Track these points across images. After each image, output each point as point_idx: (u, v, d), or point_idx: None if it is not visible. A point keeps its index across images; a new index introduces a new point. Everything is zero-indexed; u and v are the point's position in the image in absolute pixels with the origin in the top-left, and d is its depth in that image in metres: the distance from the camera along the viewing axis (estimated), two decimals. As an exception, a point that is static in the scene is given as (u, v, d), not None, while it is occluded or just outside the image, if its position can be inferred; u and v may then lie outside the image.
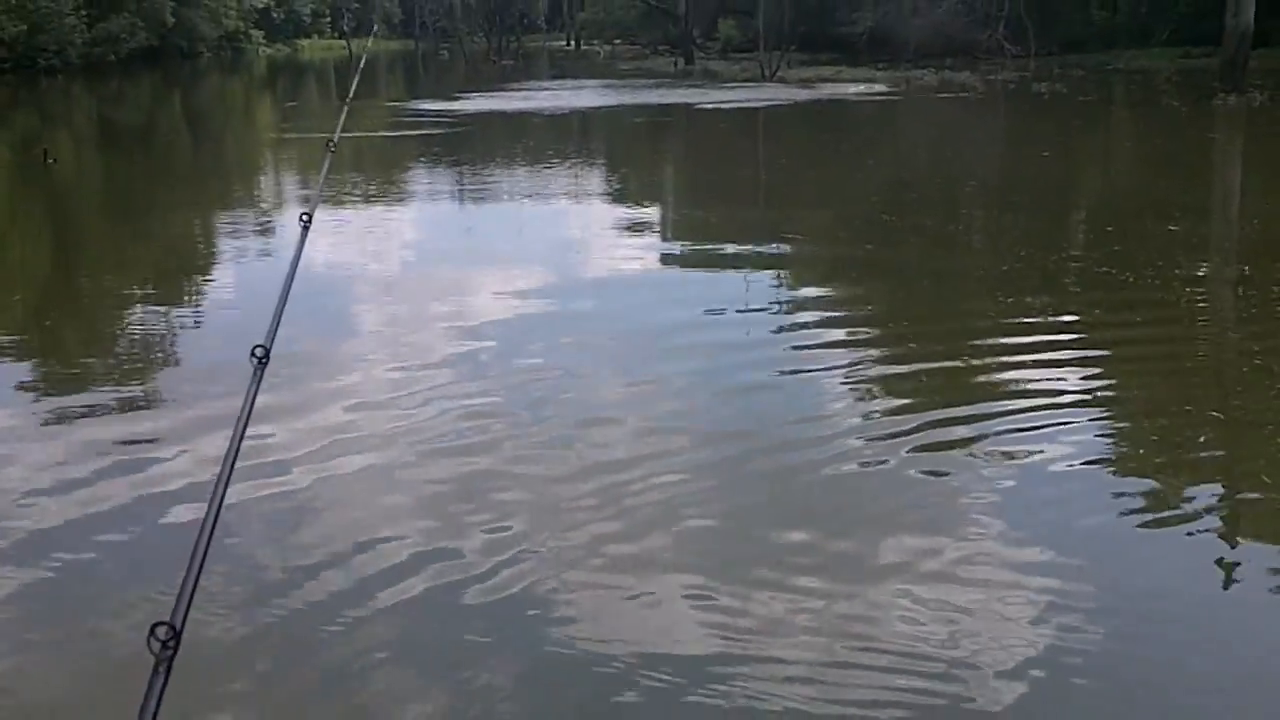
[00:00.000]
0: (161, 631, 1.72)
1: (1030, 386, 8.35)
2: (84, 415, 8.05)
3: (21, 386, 8.99)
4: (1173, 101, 34.17)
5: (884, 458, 7.00)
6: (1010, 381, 8.56)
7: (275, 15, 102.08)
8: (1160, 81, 40.37)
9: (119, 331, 10.82)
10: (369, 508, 6.37)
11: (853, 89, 39.45)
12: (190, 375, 9.06)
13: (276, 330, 3.10)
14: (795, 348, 9.61)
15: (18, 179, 24.66)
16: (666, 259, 14.24)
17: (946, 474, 6.80)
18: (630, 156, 26.43)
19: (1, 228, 18.91)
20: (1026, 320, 10.36)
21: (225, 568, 5.52)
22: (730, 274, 13.04)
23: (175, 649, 1.71)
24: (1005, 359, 9.20)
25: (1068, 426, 7.53)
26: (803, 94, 37.75)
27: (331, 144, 7.06)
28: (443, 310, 11.04)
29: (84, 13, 66.26)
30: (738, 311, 10.83)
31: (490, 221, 17.32)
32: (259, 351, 2.82)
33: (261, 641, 5.07)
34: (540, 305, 11.22)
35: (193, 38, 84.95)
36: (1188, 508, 6.35)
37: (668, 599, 5.37)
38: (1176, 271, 12.07)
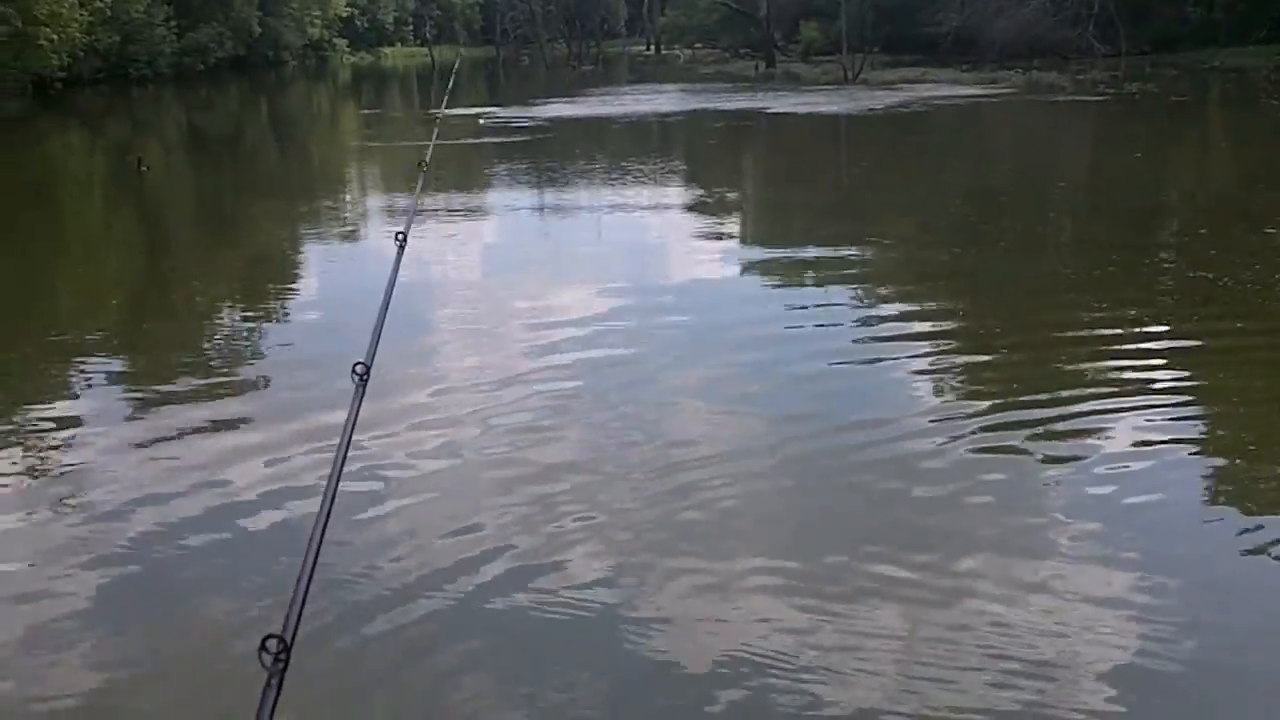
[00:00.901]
0: (272, 644, 1.72)
1: (1122, 393, 8.20)
2: (186, 429, 8.11)
3: (124, 400, 9.12)
4: (1272, 101, 33.49)
5: (971, 464, 6.94)
6: (1102, 387, 8.41)
7: (359, 23, 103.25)
8: (1258, 80, 39.59)
9: (223, 348, 10.90)
10: (464, 519, 6.38)
11: (939, 91, 39.08)
12: (290, 390, 9.08)
13: (376, 349, 3.12)
14: (877, 354, 9.50)
15: (113, 186, 25.14)
16: (747, 264, 14.17)
17: (1038, 482, 6.72)
18: (710, 162, 26.36)
19: (101, 234, 19.27)
20: (1118, 328, 10.16)
21: (329, 579, 5.55)
22: (811, 277, 12.94)
23: (286, 662, 1.72)
24: (1097, 365, 9.07)
25: (1162, 434, 7.41)
26: (889, 98, 37.41)
27: (423, 164, 7.11)
28: (527, 320, 11.05)
29: (174, 23, 67.48)
30: (817, 320, 10.78)
31: (571, 228, 17.36)
32: (359, 369, 2.84)
33: (363, 653, 5.09)
34: (622, 313, 11.19)
35: (278, 46, 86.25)
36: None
37: (747, 605, 5.36)
38: (1276, 277, 11.78)
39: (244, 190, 24.26)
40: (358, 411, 2.64)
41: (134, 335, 11.39)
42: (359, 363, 2.84)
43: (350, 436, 2.54)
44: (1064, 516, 6.23)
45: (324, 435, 7.42)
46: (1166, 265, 13.17)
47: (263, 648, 1.72)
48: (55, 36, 44.63)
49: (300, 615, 1.84)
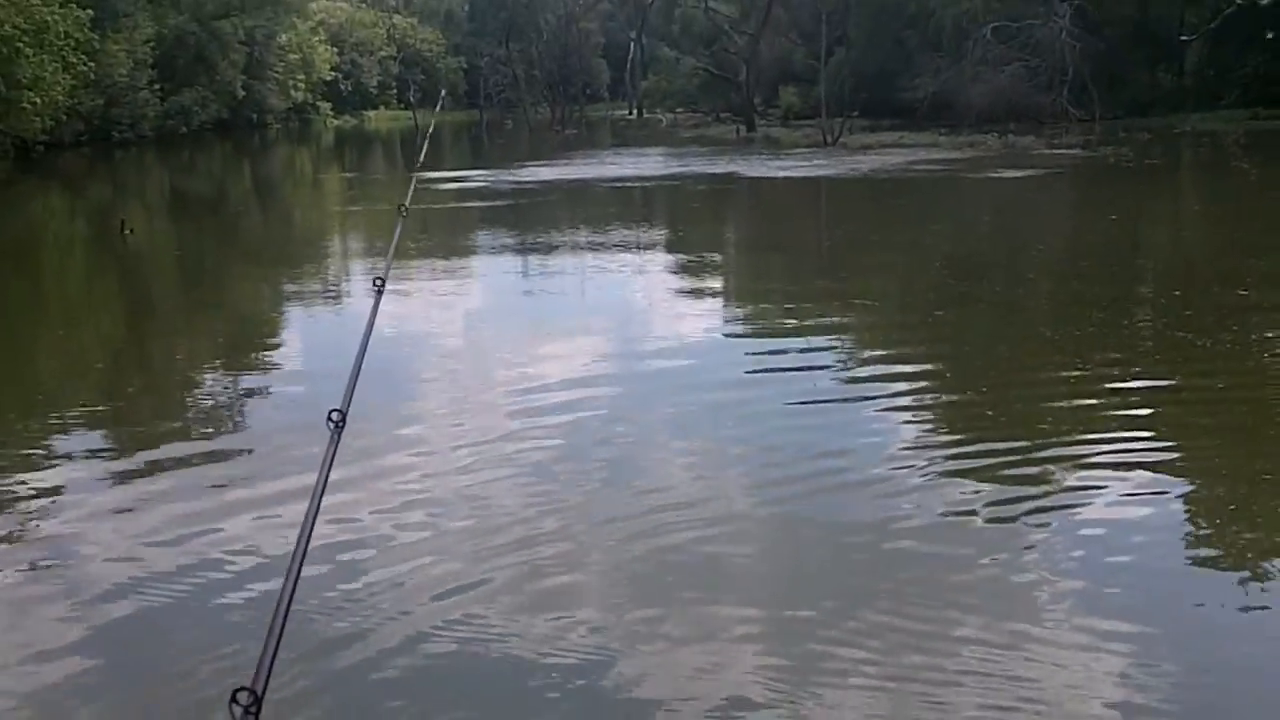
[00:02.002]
0: (243, 697, 1.72)
1: (1105, 448, 8.26)
2: (163, 480, 8.16)
3: (103, 461, 9.08)
4: (1242, 164, 33.85)
5: (954, 521, 6.97)
6: (1085, 443, 8.47)
7: (343, 87, 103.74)
8: (1228, 144, 40.04)
9: (199, 397, 10.99)
10: (440, 570, 6.40)
11: (918, 155, 39.42)
12: (268, 439, 9.11)
13: (351, 396, 3.12)
14: (859, 411, 9.61)
15: (96, 249, 25.14)
16: (729, 323, 14.28)
17: (1020, 536, 6.75)
18: (692, 224, 26.48)
19: (84, 297, 19.25)
20: (1099, 385, 10.26)
21: (299, 630, 5.54)
22: (792, 337, 12.91)
23: (257, 714, 1.71)
24: (1079, 421, 9.14)
25: (1144, 488, 7.48)
26: (868, 162, 37.73)
27: (403, 209, 7.15)
28: (507, 374, 11.15)
29: (157, 86, 67.70)
30: (799, 379, 10.87)
31: (553, 287, 17.43)
32: (335, 416, 2.84)
33: (336, 707, 5.09)
34: (602, 367, 11.30)
35: (262, 109, 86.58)
36: (1270, 578, 6.20)
37: (731, 656, 5.38)
38: (1252, 337, 11.89)
39: (226, 252, 24.29)
40: (333, 458, 2.65)
41: (115, 397, 11.35)
42: (334, 410, 2.84)
43: (325, 483, 2.54)
44: (1048, 570, 6.25)
45: (304, 488, 7.40)
46: (1144, 325, 13.27)
47: (234, 699, 1.72)
48: (38, 100, 44.72)
49: (271, 668, 1.84)
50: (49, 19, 44.66)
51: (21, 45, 41.88)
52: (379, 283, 4.38)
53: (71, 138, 58.17)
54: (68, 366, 13.07)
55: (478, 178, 36.71)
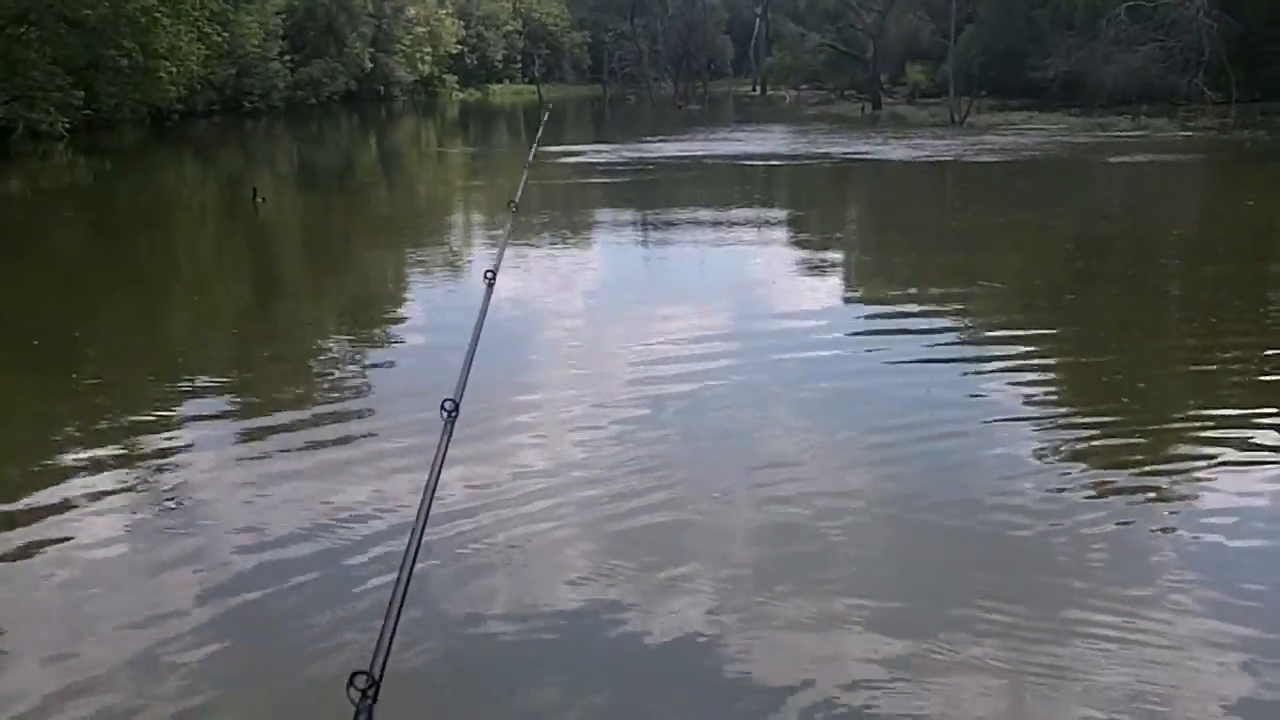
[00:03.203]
0: (361, 680, 1.74)
1: (1234, 435, 8.13)
2: (288, 459, 8.28)
3: (228, 429, 9.31)
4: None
5: (1078, 505, 6.88)
6: (1215, 429, 8.33)
7: (469, 60, 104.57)
8: (1373, 128, 38.73)
9: (325, 370, 11.22)
10: (556, 552, 6.46)
11: (1047, 136, 38.70)
12: (387, 419, 9.25)
13: (465, 384, 3.17)
14: (982, 395, 9.47)
15: (229, 217, 25.75)
16: (852, 302, 14.16)
17: (1146, 534, 6.64)
18: (814, 203, 26.37)
19: (217, 264, 19.74)
20: (1233, 369, 10.09)
21: (418, 616, 5.61)
22: (916, 317, 12.73)
23: (374, 698, 1.73)
24: (1209, 412, 8.92)
25: (1275, 478, 7.33)
26: (997, 141, 37.16)
27: (513, 204, 7.21)
28: (623, 353, 11.18)
29: (288, 58, 68.92)
30: (922, 360, 10.71)
31: (673, 265, 17.44)
32: (448, 405, 2.88)
33: (453, 690, 5.16)
34: (723, 351, 11.21)
35: (389, 82, 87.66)
36: None
37: (846, 644, 5.34)
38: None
39: (352, 223, 24.69)
40: (446, 447, 2.70)
41: (244, 365, 11.63)
42: (447, 399, 2.90)
43: (439, 472, 2.60)
44: (1172, 559, 6.17)
45: (422, 469, 7.53)
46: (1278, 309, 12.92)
47: (351, 683, 1.74)
48: (174, 69, 45.70)
49: (389, 652, 1.87)
50: (186, -10, 45.64)
51: (159, 15, 42.82)
52: (490, 276, 4.45)
53: (204, 107, 59.53)
54: (201, 332, 13.43)
55: (599, 153, 36.82)
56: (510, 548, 6.55)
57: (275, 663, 5.46)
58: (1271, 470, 7.58)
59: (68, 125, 41.37)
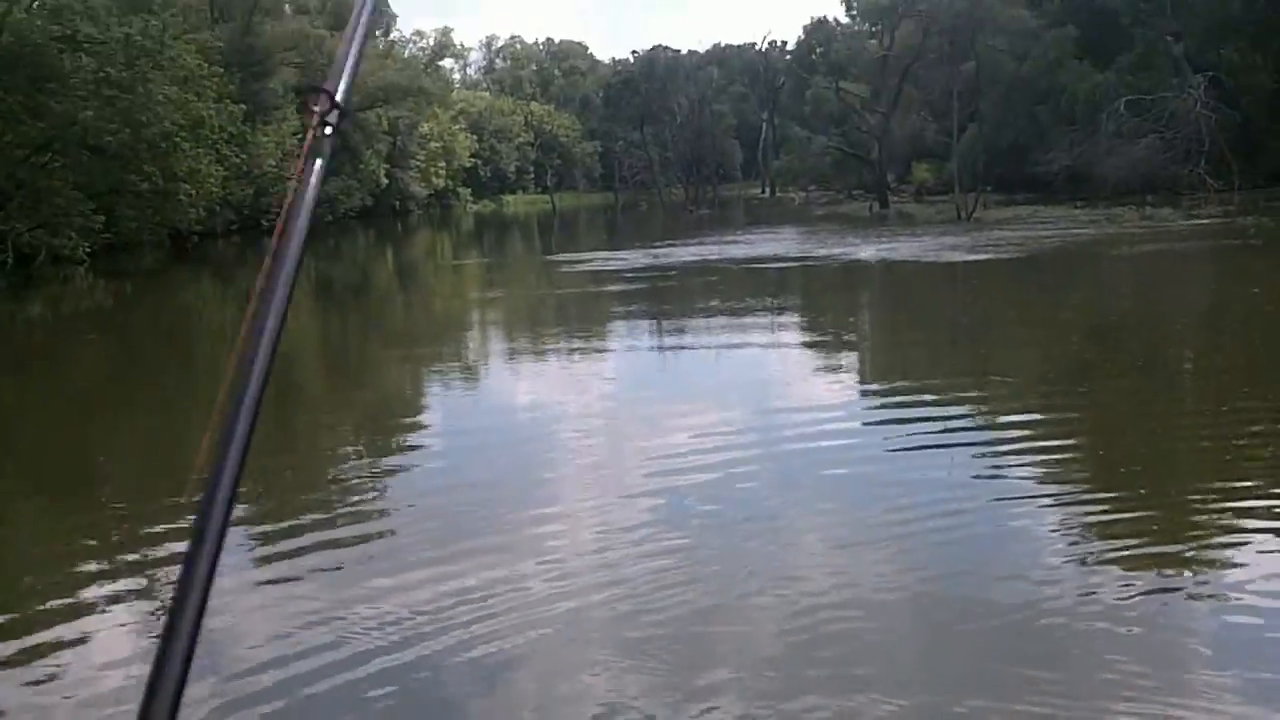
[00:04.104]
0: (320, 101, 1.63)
1: (1257, 526, 8.18)
2: (301, 586, 8.32)
3: (251, 529, 9.47)
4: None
5: (1101, 603, 6.88)
6: (1235, 520, 8.40)
7: (482, 173, 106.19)
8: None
9: (343, 479, 11.42)
10: (570, 659, 6.52)
11: (1053, 229, 39.06)
12: (404, 540, 9.29)
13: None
14: (1001, 491, 9.53)
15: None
16: (866, 401, 14.26)
17: (1168, 625, 6.66)
18: (827, 303, 26.65)
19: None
20: (1250, 461, 10.12)
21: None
22: (931, 415, 12.73)
23: (337, 127, 1.62)
24: (1227, 497, 9.02)
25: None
26: (1004, 237, 37.52)
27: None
28: (643, 448, 11.37)
29: (305, 176, 69.96)
30: (939, 459, 10.79)
31: (690, 367, 17.63)
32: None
33: None
34: (739, 452, 11.27)
35: (404, 196, 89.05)
36: None
37: None
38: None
39: (369, 337, 25.06)
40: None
41: (263, 481, 11.82)
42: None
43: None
44: (1202, 654, 6.21)
45: (443, 573, 7.71)
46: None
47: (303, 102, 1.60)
48: (193, 192, 46.56)
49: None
50: (205, 114, 46.62)
51: (179, 140, 43.75)
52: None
53: (223, 227, 60.41)
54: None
55: (613, 259, 37.27)
56: (522, 649, 6.59)
57: None
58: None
59: (89, 249, 42.07)
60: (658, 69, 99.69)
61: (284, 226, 1.45)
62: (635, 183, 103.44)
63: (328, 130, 1.56)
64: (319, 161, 1.56)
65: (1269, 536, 8.00)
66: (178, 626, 1.28)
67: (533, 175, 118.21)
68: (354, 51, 1.64)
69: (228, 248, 58.14)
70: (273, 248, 1.43)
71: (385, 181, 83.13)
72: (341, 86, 1.59)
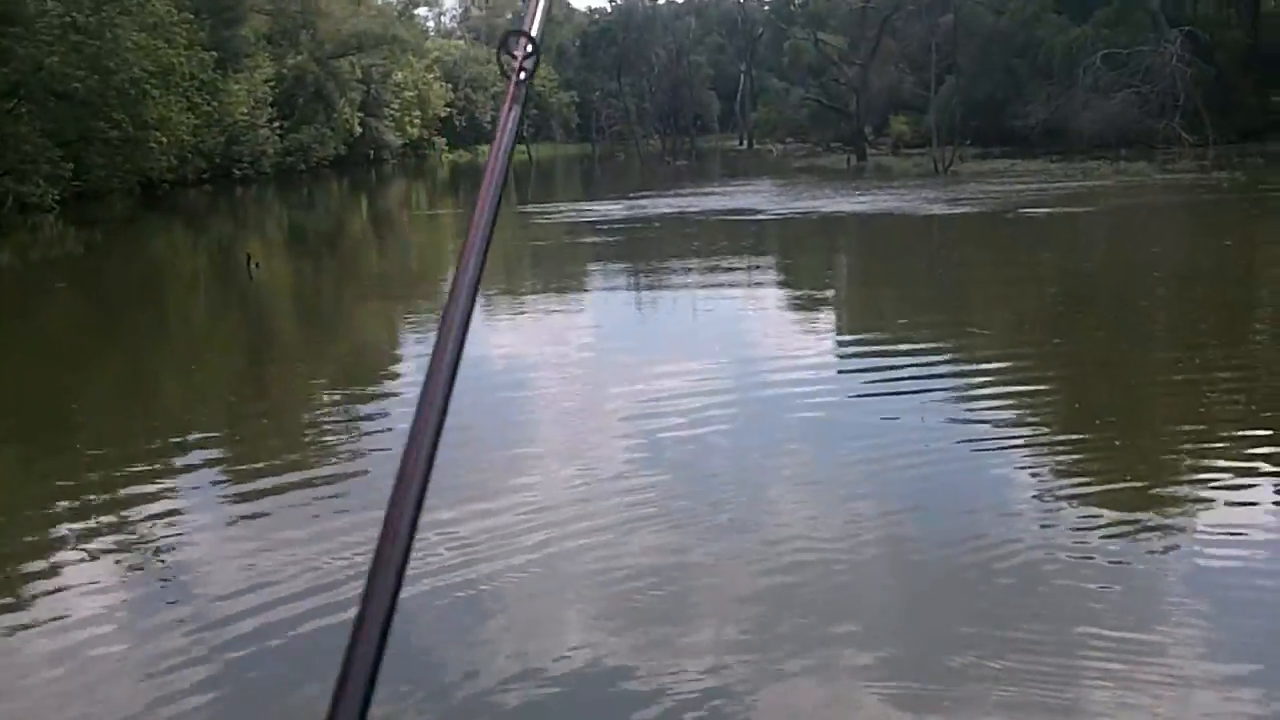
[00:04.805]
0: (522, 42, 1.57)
1: (1227, 480, 8.19)
2: (277, 529, 8.21)
3: (224, 477, 9.50)
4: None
5: (1074, 552, 6.92)
6: (1208, 474, 8.41)
7: (457, 123, 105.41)
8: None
9: (320, 425, 11.42)
10: (553, 601, 6.55)
11: (1029, 183, 39.08)
12: (380, 485, 9.32)
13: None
14: (976, 440, 9.53)
15: (223, 284, 25.96)
16: (843, 351, 14.29)
17: (1143, 574, 6.72)
18: (802, 254, 26.64)
19: (212, 330, 19.91)
20: (1222, 415, 10.16)
21: (413, 675, 5.65)
22: (907, 365, 12.63)
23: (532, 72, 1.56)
24: (1200, 451, 9.05)
25: (1270, 520, 7.44)
26: (978, 190, 37.51)
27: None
28: (621, 399, 11.35)
29: (277, 124, 69.46)
30: (914, 407, 10.75)
31: (667, 318, 17.62)
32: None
33: None
34: (715, 398, 11.30)
35: (378, 146, 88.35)
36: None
37: (854, 702, 5.41)
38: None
39: (345, 285, 24.94)
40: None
41: (239, 428, 11.79)
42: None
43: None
44: (1172, 605, 6.24)
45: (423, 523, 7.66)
46: (1264, 354, 13.10)
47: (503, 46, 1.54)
48: (164, 139, 46.16)
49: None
50: (174, 61, 46.12)
51: (148, 87, 43.30)
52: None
53: (194, 175, 59.90)
54: (197, 397, 13.57)
55: (590, 210, 37.14)
56: (497, 593, 6.63)
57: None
58: (1266, 497, 7.73)
59: (57, 197, 41.68)
60: (635, 19, 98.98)
61: (490, 169, 1.41)
62: (612, 133, 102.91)
63: (522, 75, 1.51)
64: (517, 109, 1.50)
65: (1237, 482, 8.06)
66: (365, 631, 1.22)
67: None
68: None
69: (199, 196, 57.69)
70: (481, 194, 1.40)
71: (359, 130, 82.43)
72: (536, 29, 1.53)
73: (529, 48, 1.51)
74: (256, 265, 25.04)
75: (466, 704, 5.49)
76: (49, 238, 38.41)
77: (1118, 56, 50.95)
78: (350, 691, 1.20)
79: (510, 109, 1.50)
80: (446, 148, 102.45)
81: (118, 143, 44.45)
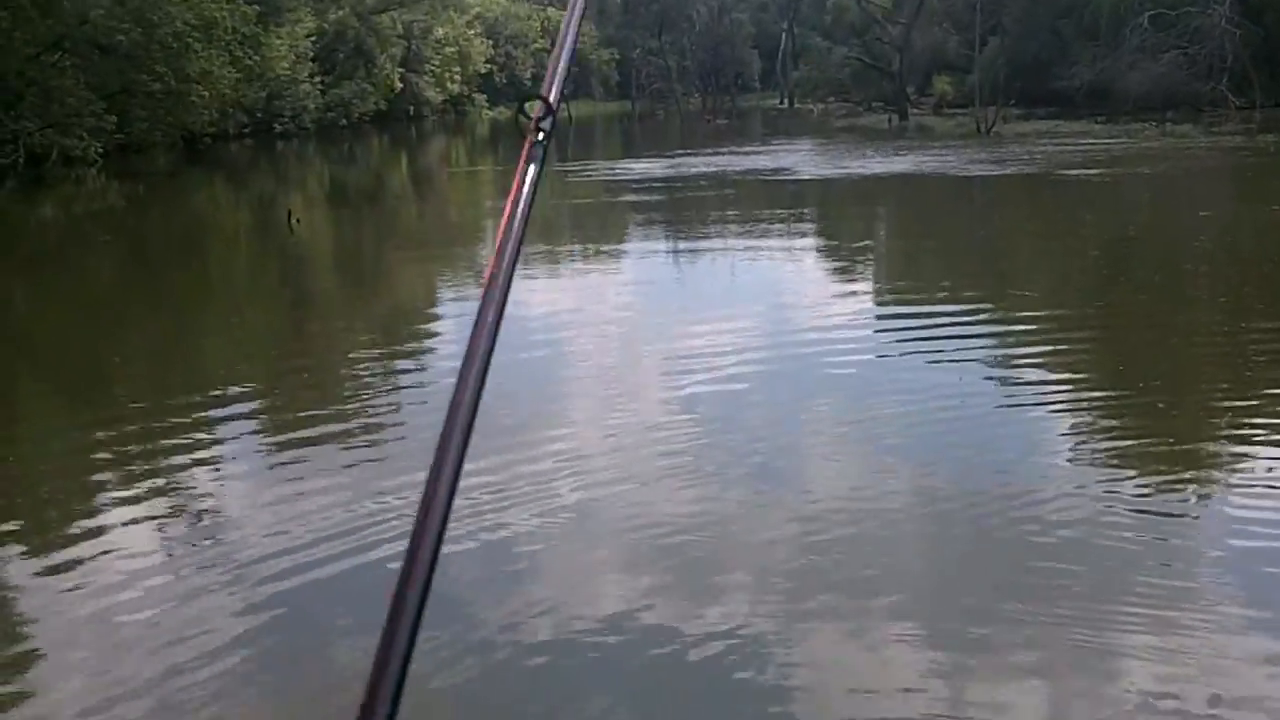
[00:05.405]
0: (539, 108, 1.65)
1: (1268, 441, 8.16)
2: (316, 483, 8.22)
3: (264, 430, 9.59)
4: None
5: (1104, 514, 6.91)
6: (1248, 437, 8.37)
7: (497, 80, 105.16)
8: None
9: (360, 381, 11.46)
10: (586, 557, 6.60)
11: (1074, 144, 38.67)
12: (418, 439, 9.29)
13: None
14: (1015, 403, 9.57)
15: (263, 239, 26.07)
16: (882, 312, 14.23)
17: (1170, 531, 6.72)
18: (843, 213, 26.50)
19: (254, 285, 20.02)
20: (1263, 380, 10.11)
21: (451, 627, 5.65)
22: (947, 327, 12.57)
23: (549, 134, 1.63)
24: (1242, 416, 8.98)
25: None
26: (1022, 151, 37.15)
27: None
28: (657, 359, 11.42)
29: (318, 80, 69.48)
30: (954, 368, 10.71)
31: (707, 277, 17.57)
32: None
33: (479, 691, 5.21)
34: (753, 354, 11.36)
35: (419, 102, 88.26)
36: None
37: (886, 656, 5.42)
38: None
39: (385, 242, 25.01)
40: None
41: (280, 383, 11.86)
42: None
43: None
44: (1207, 568, 6.22)
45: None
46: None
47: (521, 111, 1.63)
48: (206, 93, 46.23)
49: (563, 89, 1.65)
50: (217, 15, 46.13)
51: (191, 40, 43.37)
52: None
53: (236, 130, 60.05)
54: (240, 352, 13.64)
55: (629, 169, 37.03)
56: (534, 546, 6.69)
57: (310, 680, 5.51)
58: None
59: (100, 150, 41.88)
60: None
61: (504, 230, 1.48)
62: (652, 92, 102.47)
63: (540, 136, 1.57)
64: (533, 168, 1.56)
65: (1276, 438, 8.00)
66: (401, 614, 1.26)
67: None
68: (565, 56, 1.66)
69: (241, 150, 57.87)
70: (496, 247, 1.46)
71: (399, 86, 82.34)
72: (554, 93, 1.60)
73: (545, 110, 1.56)
74: (297, 220, 25.14)
75: (502, 649, 5.52)
76: (92, 190, 38.64)
77: (1165, 17, 50.26)
78: (397, 640, 1.25)
79: (525, 168, 1.54)
80: (486, 104, 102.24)
81: (160, 96, 44.58)
